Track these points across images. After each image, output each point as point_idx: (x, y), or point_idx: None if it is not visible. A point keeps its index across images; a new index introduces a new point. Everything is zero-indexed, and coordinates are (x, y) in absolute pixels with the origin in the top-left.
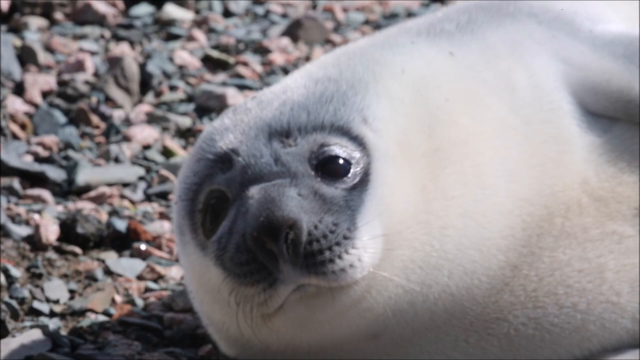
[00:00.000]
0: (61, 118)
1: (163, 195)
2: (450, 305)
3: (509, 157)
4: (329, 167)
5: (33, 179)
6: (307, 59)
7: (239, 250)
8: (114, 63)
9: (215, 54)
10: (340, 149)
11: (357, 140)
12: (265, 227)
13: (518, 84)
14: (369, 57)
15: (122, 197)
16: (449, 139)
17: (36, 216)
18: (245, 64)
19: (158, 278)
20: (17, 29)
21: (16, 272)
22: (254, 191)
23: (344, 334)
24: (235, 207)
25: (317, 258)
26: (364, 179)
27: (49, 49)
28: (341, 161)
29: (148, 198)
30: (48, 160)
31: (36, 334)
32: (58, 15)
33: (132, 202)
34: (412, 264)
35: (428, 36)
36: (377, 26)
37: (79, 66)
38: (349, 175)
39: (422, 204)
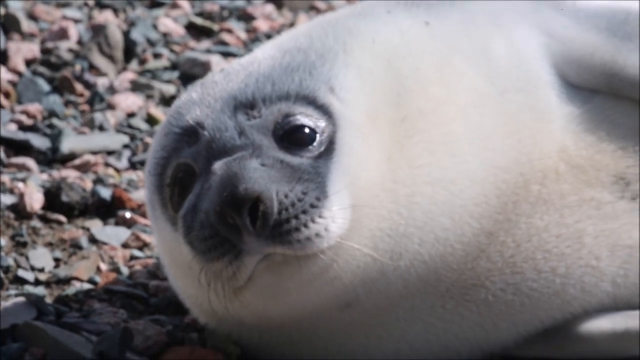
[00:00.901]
0: (45, 86)
1: None
2: (424, 273)
3: (483, 126)
4: (293, 137)
5: (17, 148)
6: (292, 25)
7: (203, 227)
8: (98, 31)
9: (199, 21)
10: (305, 117)
11: (323, 109)
12: (228, 202)
13: (495, 52)
14: (341, 27)
15: (107, 165)
16: (417, 108)
17: (20, 184)
18: (229, 31)
19: (143, 246)
20: None
21: (1, 240)
22: (217, 166)
23: (315, 304)
24: (200, 182)
25: (284, 227)
26: (330, 148)
27: (32, 17)
28: (306, 130)
29: (133, 166)
30: (32, 129)
31: (21, 302)
32: None
33: (117, 170)
34: (380, 232)
35: (405, 6)
36: None
37: (63, 34)
38: (315, 144)
39: (389, 172)
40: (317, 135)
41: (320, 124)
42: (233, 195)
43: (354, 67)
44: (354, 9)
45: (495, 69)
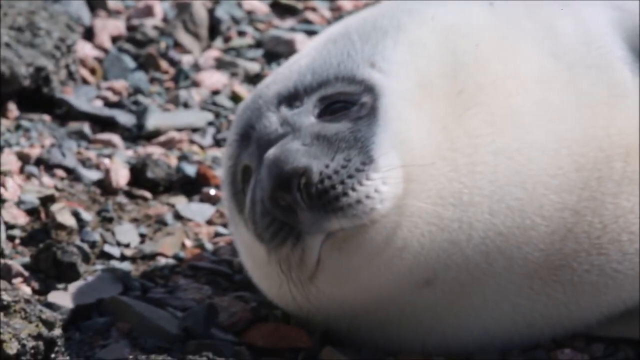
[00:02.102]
0: (130, 63)
1: None
2: (504, 247)
3: (548, 100)
4: (330, 110)
5: (103, 124)
6: (376, 3)
7: (263, 216)
8: (183, 8)
9: None
10: (342, 94)
11: (362, 83)
12: (276, 185)
13: (562, 30)
14: (400, 8)
15: (192, 142)
16: (475, 82)
17: (106, 160)
18: (313, 9)
19: (227, 223)
20: None
21: (87, 216)
22: (264, 157)
23: (390, 281)
24: (254, 177)
25: (330, 194)
26: (372, 114)
27: None
28: (343, 101)
29: (217, 143)
30: (118, 105)
31: (107, 277)
32: None
33: (202, 147)
34: (441, 200)
35: None
36: None
37: (148, 11)
38: (353, 113)
39: (445, 141)
40: (356, 106)
41: (359, 95)
42: (279, 178)
43: (404, 43)
44: None
45: (562, 46)
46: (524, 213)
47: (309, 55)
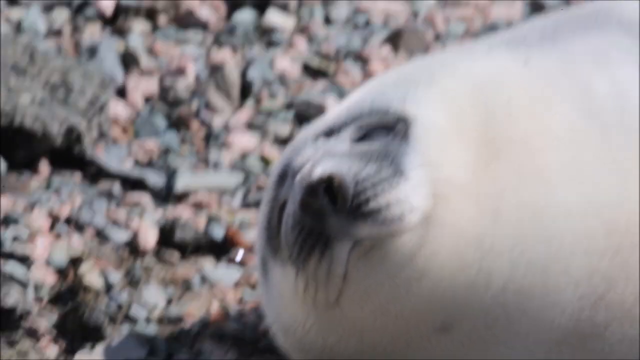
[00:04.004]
0: (162, 123)
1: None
2: (527, 306)
3: (579, 159)
4: (359, 136)
5: (133, 184)
6: None
7: (293, 229)
8: (215, 69)
9: (315, 62)
10: (378, 123)
11: (396, 114)
12: (306, 191)
13: (597, 91)
14: (434, 61)
15: (220, 204)
16: (505, 135)
17: (135, 221)
18: (345, 72)
19: (254, 286)
20: (120, 33)
21: (115, 276)
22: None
23: (407, 313)
24: (289, 203)
25: (360, 197)
26: (405, 137)
27: (151, 53)
28: (378, 128)
29: (246, 206)
30: (148, 165)
31: (133, 339)
32: (161, 20)
33: (230, 210)
34: (464, 238)
35: (507, 45)
36: (477, 36)
37: (181, 71)
38: (387, 135)
39: (472, 181)
40: (390, 130)
41: (394, 124)
42: (309, 185)
43: (436, 92)
44: (454, 50)
45: (596, 107)
46: (547, 272)
47: (346, 100)
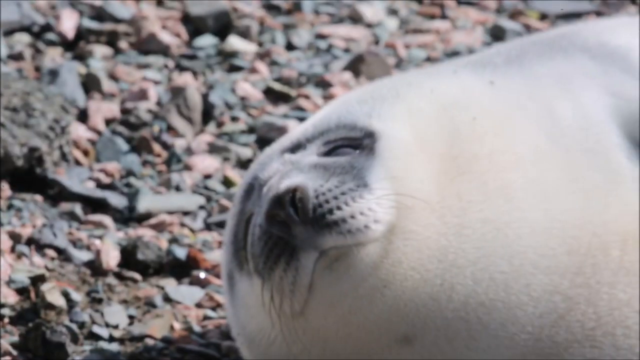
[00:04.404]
0: (123, 145)
1: (223, 225)
2: (488, 321)
3: (543, 179)
4: (334, 152)
5: (94, 205)
6: None
7: (259, 240)
8: (177, 93)
9: (277, 86)
10: (345, 138)
11: (363, 130)
12: (272, 202)
13: (561, 113)
14: (401, 81)
15: (182, 225)
16: (471, 152)
17: (97, 242)
18: (306, 97)
19: (216, 306)
20: (82, 57)
21: (77, 296)
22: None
23: (370, 324)
24: (255, 215)
25: (324, 208)
26: (370, 151)
27: (113, 77)
28: (345, 144)
29: (208, 227)
30: (110, 187)
31: (95, 358)
32: (122, 44)
33: (192, 231)
34: (427, 250)
35: (473, 67)
36: (438, 63)
37: (142, 95)
38: (354, 149)
39: (437, 195)
40: (356, 146)
41: (360, 140)
42: (274, 196)
43: (402, 108)
44: (420, 70)
45: (560, 129)
46: (508, 288)
47: (312, 117)
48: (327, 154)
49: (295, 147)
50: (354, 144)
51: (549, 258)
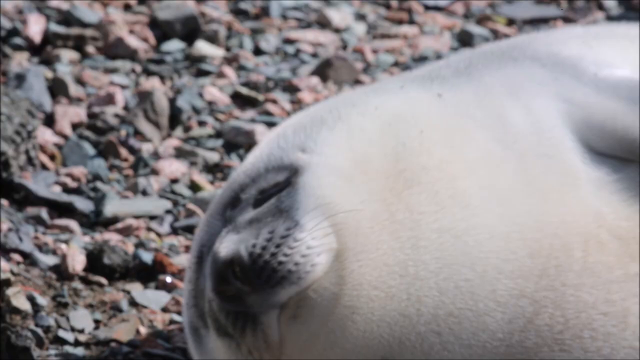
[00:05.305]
0: (90, 150)
1: (189, 229)
2: (459, 331)
3: (497, 184)
4: (260, 198)
5: (61, 209)
6: None
7: (220, 313)
8: (144, 97)
9: (244, 90)
10: (276, 183)
11: (290, 168)
12: (215, 280)
13: (512, 120)
14: (345, 101)
15: (149, 229)
16: (419, 164)
17: (63, 246)
18: (274, 101)
19: (182, 311)
20: (48, 61)
21: (42, 300)
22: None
23: (348, 350)
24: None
25: (267, 270)
26: (293, 186)
27: (80, 81)
28: (269, 185)
29: (174, 231)
30: (76, 191)
31: None
32: (90, 49)
33: (159, 235)
34: (385, 267)
35: (420, 81)
36: (406, 68)
37: (109, 99)
38: (281, 190)
39: (384, 212)
40: (280, 185)
41: (283, 175)
42: (215, 273)
43: (342, 129)
44: (368, 87)
45: (512, 135)
46: (475, 296)
47: (249, 159)
48: (261, 202)
49: (234, 200)
50: (281, 185)
51: (512, 262)
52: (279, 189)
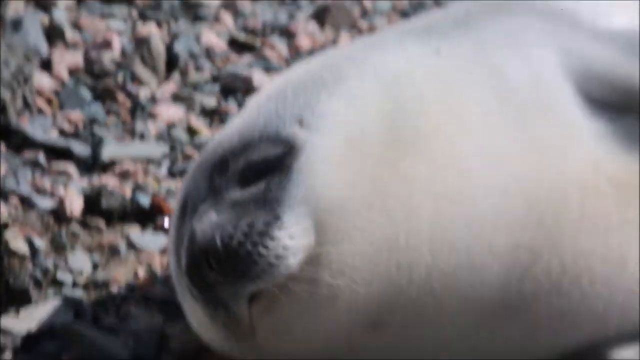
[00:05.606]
0: (87, 95)
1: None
2: (454, 287)
3: (495, 141)
4: (248, 174)
5: (58, 154)
6: (334, 43)
7: (194, 288)
8: (141, 42)
9: (241, 36)
10: (266, 157)
11: (286, 143)
12: (189, 266)
13: (510, 73)
14: (344, 58)
15: (146, 173)
16: (415, 129)
17: (61, 189)
18: (271, 47)
19: None
20: (45, 7)
21: (40, 243)
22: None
23: (332, 330)
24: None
25: (240, 267)
26: (286, 173)
27: (76, 27)
28: (260, 163)
29: (172, 175)
30: (73, 136)
31: (59, 304)
32: None
33: (156, 179)
34: (371, 246)
35: (420, 35)
36: (404, 13)
37: (106, 45)
38: (270, 174)
39: (375, 191)
40: (272, 166)
41: (282, 157)
42: (190, 259)
43: (341, 95)
44: (367, 40)
45: (511, 88)
46: (471, 253)
47: (243, 114)
48: (247, 180)
49: (222, 163)
50: (274, 165)
51: (509, 215)
52: (268, 167)
